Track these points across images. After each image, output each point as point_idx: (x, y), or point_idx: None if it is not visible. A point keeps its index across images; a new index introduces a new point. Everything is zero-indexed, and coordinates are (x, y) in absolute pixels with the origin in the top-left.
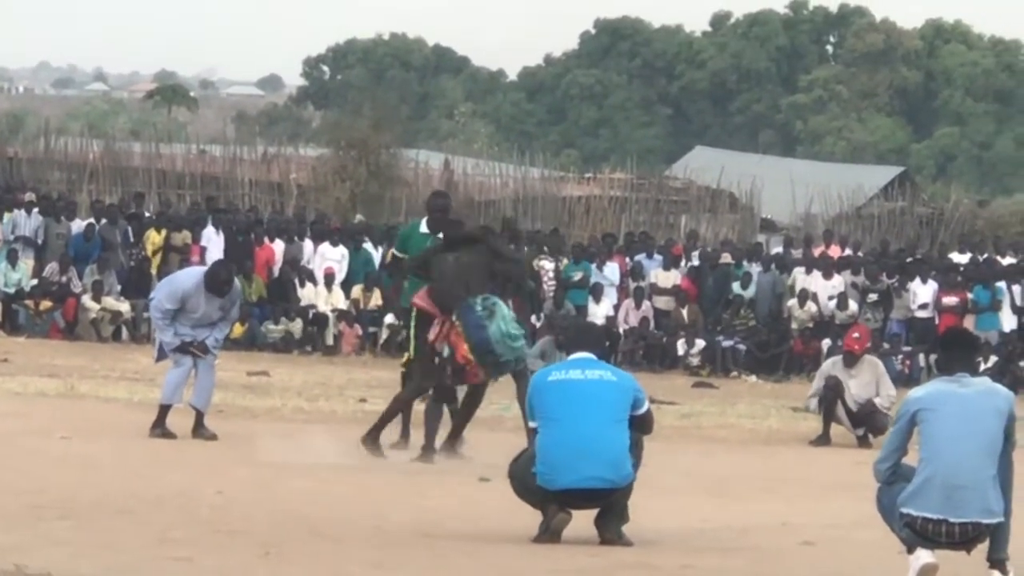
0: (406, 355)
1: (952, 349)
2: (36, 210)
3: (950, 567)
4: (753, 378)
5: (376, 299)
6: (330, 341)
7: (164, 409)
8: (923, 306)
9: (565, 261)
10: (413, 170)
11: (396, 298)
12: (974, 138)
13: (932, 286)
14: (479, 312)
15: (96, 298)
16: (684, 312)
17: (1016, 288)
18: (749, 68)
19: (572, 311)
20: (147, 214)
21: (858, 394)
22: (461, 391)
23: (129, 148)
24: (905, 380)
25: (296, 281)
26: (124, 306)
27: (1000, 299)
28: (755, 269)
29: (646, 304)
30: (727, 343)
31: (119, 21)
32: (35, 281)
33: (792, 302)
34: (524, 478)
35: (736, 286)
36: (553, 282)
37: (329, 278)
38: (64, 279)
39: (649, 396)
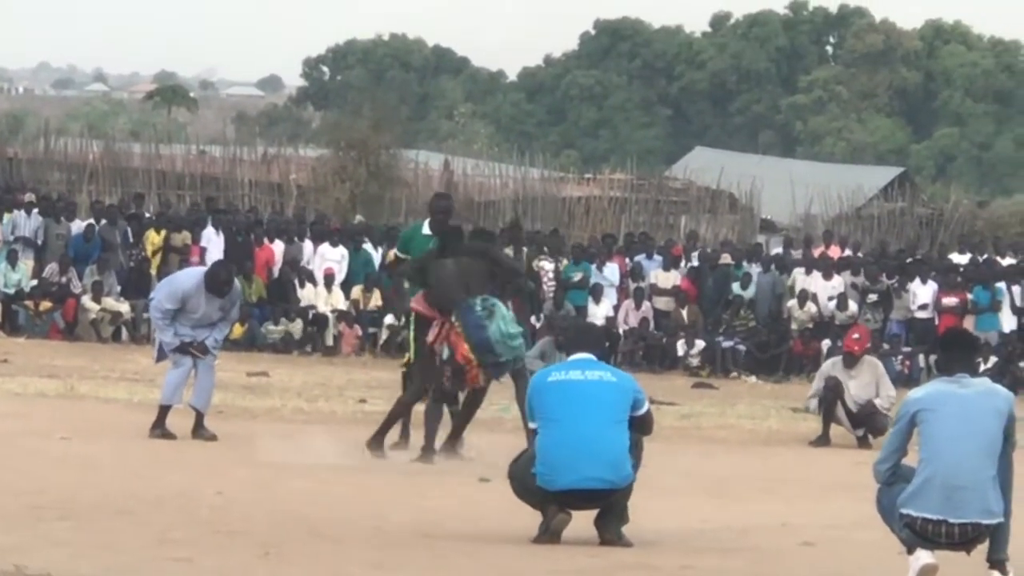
0: (406, 356)
1: (952, 350)
2: (36, 211)
3: (950, 568)
4: (753, 379)
5: (376, 300)
6: (330, 342)
7: (164, 410)
8: (923, 307)
9: (565, 262)
10: (413, 171)
11: (396, 299)
12: (974, 139)
13: (932, 287)
14: (479, 312)
15: (96, 299)
16: (684, 313)
17: (1016, 289)
18: (749, 69)
19: (572, 312)
20: (147, 215)
21: (858, 395)
22: (461, 393)
23: (129, 149)
24: (905, 381)
25: (296, 282)
26: (124, 307)
27: (1000, 300)
28: (755, 270)
29: (646, 305)
30: (727, 344)
31: (119, 22)
32: (35, 282)
33: (792, 303)
34: (524, 479)
35: (736, 287)
36: (553, 283)
37: (329, 279)
38: (64, 280)
39: (649, 397)
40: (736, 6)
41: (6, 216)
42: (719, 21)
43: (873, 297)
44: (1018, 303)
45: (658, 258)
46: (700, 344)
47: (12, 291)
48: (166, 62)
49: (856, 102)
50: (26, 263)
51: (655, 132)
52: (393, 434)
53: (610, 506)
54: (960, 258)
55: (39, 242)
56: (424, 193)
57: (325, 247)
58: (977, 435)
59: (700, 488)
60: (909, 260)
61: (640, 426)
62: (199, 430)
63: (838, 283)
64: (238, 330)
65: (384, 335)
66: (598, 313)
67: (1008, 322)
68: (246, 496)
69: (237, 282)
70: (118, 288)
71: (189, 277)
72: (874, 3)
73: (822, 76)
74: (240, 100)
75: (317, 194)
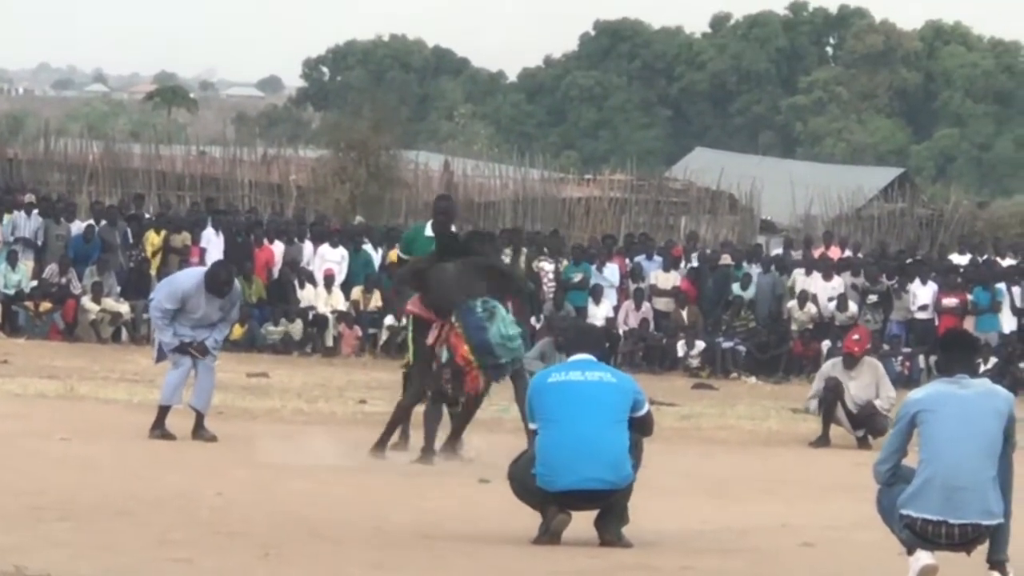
0: (406, 357)
1: (952, 350)
2: (36, 211)
3: (950, 569)
4: (753, 379)
5: (376, 301)
6: (330, 342)
7: (163, 410)
8: (923, 307)
9: (565, 262)
10: (413, 171)
11: (396, 300)
12: (974, 139)
13: (932, 287)
14: (480, 314)
15: (96, 299)
16: (684, 313)
17: (1016, 289)
18: (749, 69)
19: (572, 312)
20: (147, 215)
21: (858, 395)
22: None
23: (129, 149)
24: (905, 381)
25: (296, 282)
26: (124, 307)
27: (1000, 300)
28: (755, 270)
29: (646, 305)
30: (727, 344)
31: (119, 22)
32: (35, 282)
33: (792, 303)
34: (524, 479)
35: (736, 287)
36: (553, 283)
37: (329, 279)
38: (64, 280)
39: (649, 397)
40: (736, 7)
41: (6, 217)
42: (719, 22)
43: (873, 298)
44: (1018, 304)
45: (658, 259)
46: (700, 345)
47: (12, 292)
48: (166, 63)
49: (856, 103)
50: (26, 264)
51: (655, 133)
52: (393, 435)
53: (610, 507)
54: (960, 259)
55: (39, 243)
56: (424, 194)
57: (325, 248)
58: (977, 436)
59: (700, 489)
60: (909, 261)
61: (640, 427)
62: (199, 431)
63: (838, 284)
64: (238, 331)
65: (384, 336)
66: (598, 314)
67: (1008, 323)
68: (246, 497)
69: (237, 283)
70: (118, 289)
71: (189, 277)
72: (874, 4)
73: (822, 77)
74: (240, 101)
75: (317, 195)
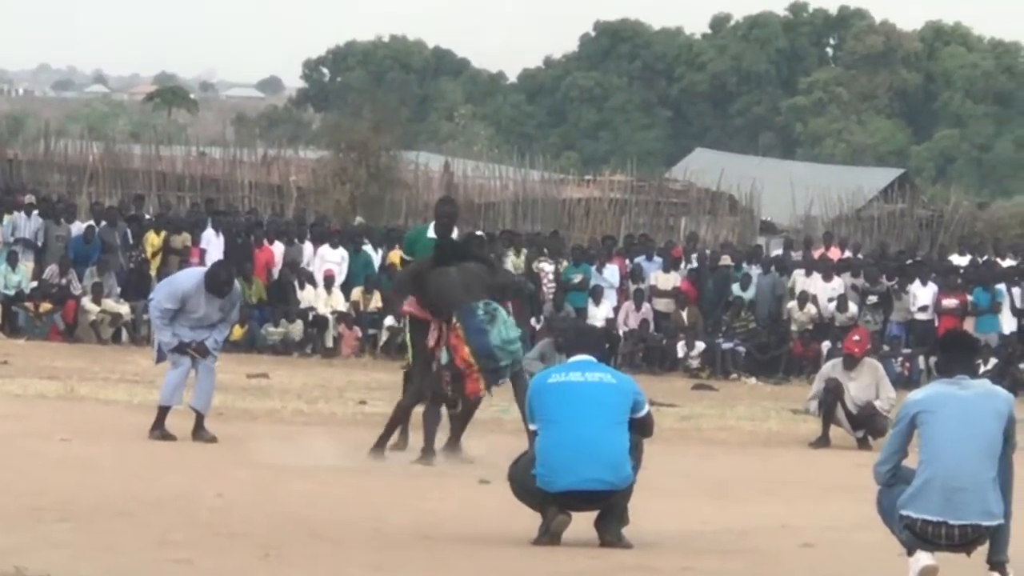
0: (407, 357)
1: (952, 351)
2: (36, 212)
3: (950, 569)
4: (753, 380)
5: (376, 301)
6: (330, 343)
7: (163, 411)
8: (923, 308)
9: (565, 263)
10: (413, 172)
11: (396, 300)
12: (974, 140)
13: (932, 288)
14: (481, 317)
15: (96, 300)
16: (684, 314)
17: (1016, 290)
18: (749, 70)
19: (572, 313)
20: (147, 216)
21: (858, 396)
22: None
23: (129, 150)
24: (905, 382)
25: (296, 283)
26: (124, 308)
27: (1000, 301)
28: (755, 271)
29: (646, 306)
30: (727, 345)
31: (119, 23)
32: (35, 283)
33: (792, 304)
34: (524, 480)
35: (736, 288)
36: (553, 284)
37: (329, 280)
38: (64, 281)
39: (649, 398)
40: (736, 8)
41: (6, 218)
42: (719, 23)
43: (873, 299)
44: (1018, 305)
45: (658, 260)
46: (700, 346)
47: (12, 293)
48: (166, 63)
49: (856, 104)
50: (26, 265)
51: (655, 134)
52: (393, 435)
53: (610, 508)
54: (960, 260)
55: (39, 244)
56: (424, 195)
57: (325, 249)
58: (977, 437)
59: (700, 490)
60: (909, 262)
61: (640, 428)
62: (199, 432)
63: (838, 285)
64: (238, 332)
65: (384, 337)
66: (598, 315)
67: (1008, 324)
68: (246, 498)
69: (237, 283)
70: (118, 290)
71: (189, 277)
72: (874, 4)
73: (822, 78)
74: (240, 102)
75: (317, 196)
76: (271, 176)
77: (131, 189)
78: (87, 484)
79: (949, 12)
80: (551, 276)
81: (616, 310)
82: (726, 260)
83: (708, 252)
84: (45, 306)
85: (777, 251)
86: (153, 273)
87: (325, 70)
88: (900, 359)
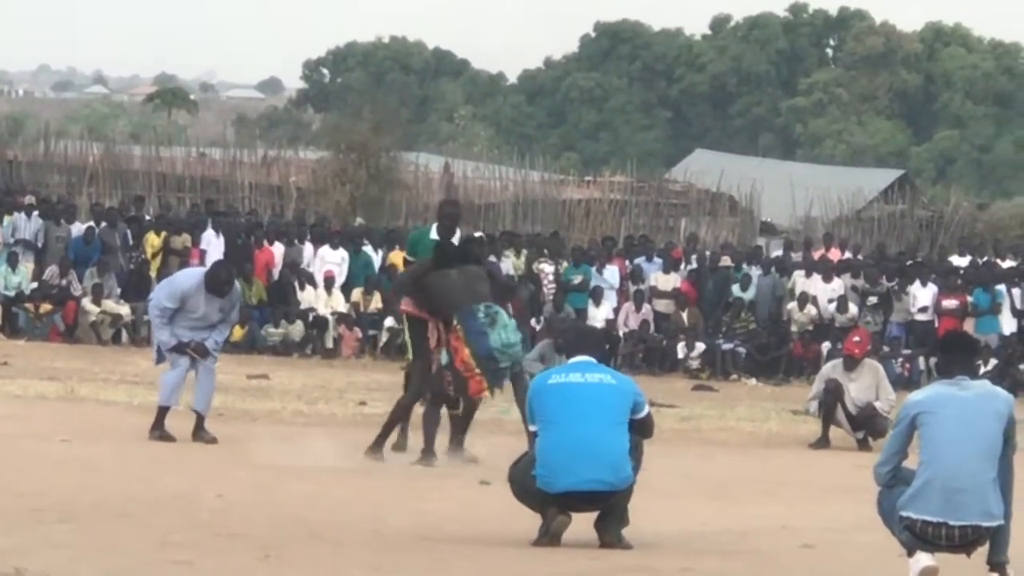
0: (408, 357)
1: (952, 352)
2: (36, 213)
3: (950, 570)
4: (753, 381)
5: (376, 302)
6: (330, 344)
7: (162, 411)
8: (923, 309)
9: (565, 264)
10: (413, 173)
11: (395, 302)
12: (974, 141)
13: (932, 289)
14: (481, 319)
15: (96, 301)
16: (684, 315)
17: (1016, 291)
18: (749, 71)
19: (572, 314)
20: (147, 217)
21: (858, 397)
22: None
23: (129, 151)
24: (905, 383)
25: (296, 284)
26: (124, 309)
27: (1000, 302)
28: (755, 272)
29: (646, 307)
30: (727, 346)
31: (119, 24)
32: (35, 284)
33: (792, 305)
34: (524, 481)
35: (736, 289)
36: (553, 285)
37: (329, 281)
38: (64, 282)
39: (649, 399)
40: (736, 8)
41: (6, 218)
42: (719, 23)
43: (873, 299)
44: (1018, 305)
45: (658, 260)
46: (700, 346)
47: (12, 293)
48: (166, 64)
49: (856, 104)
50: (26, 265)
51: (655, 134)
52: (392, 435)
53: (610, 508)
54: (960, 260)
55: (39, 244)
56: (424, 195)
57: (325, 249)
58: (977, 438)
59: (700, 490)
60: (909, 262)
61: (640, 429)
62: (199, 432)
63: (838, 285)
64: (238, 332)
65: (384, 337)
66: (598, 315)
67: (1008, 325)
68: (246, 499)
69: (237, 284)
70: (118, 290)
71: (189, 277)
72: (874, 5)
73: (822, 78)
74: (240, 102)
75: (317, 196)
76: (271, 177)
77: (131, 190)
78: (87, 485)
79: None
80: (551, 277)
81: (616, 311)
82: (726, 261)
83: (708, 253)
84: (45, 307)
85: (777, 252)
86: (153, 274)
87: (325, 71)
88: (900, 360)
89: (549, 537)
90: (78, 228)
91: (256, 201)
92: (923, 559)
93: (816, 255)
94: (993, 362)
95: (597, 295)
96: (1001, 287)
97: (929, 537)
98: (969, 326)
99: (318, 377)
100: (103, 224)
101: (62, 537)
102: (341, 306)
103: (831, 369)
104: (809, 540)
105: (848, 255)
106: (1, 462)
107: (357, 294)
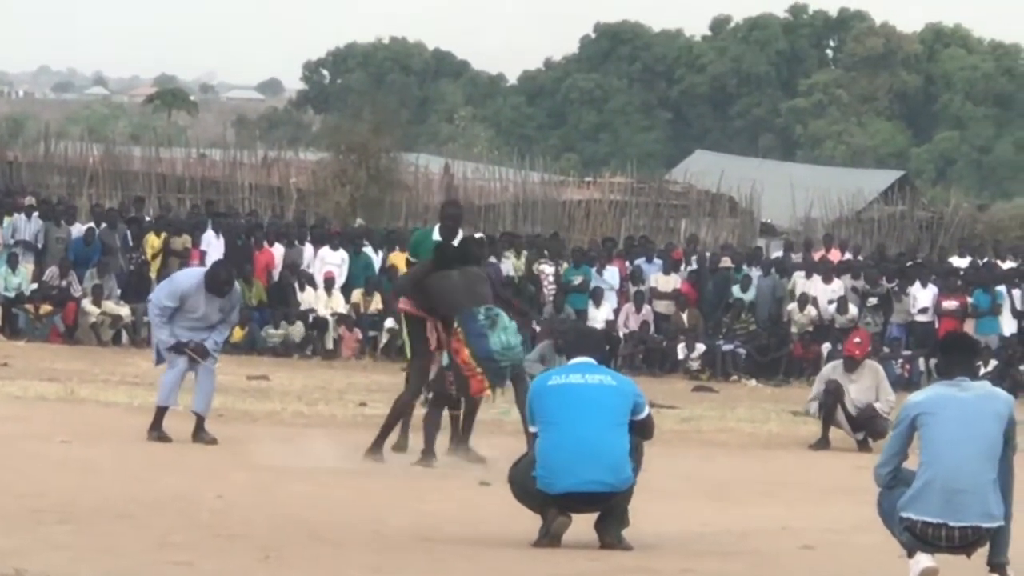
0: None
1: (952, 353)
2: (36, 214)
3: (950, 571)
4: (753, 382)
5: (376, 303)
6: (330, 345)
7: (160, 411)
8: (923, 310)
9: (565, 265)
10: (413, 174)
11: (395, 303)
12: (974, 142)
13: (932, 290)
14: (481, 321)
15: (96, 302)
16: (684, 316)
17: (1016, 292)
18: (749, 72)
19: (572, 315)
20: (147, 218)
21: (858, 398)
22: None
23: (129, 152)
24: (905, 384)
25: (296, 285)
26: (124, 310)
27: (1000, 303)
28: (755, 273)
29: (646, 308)
30: (727, 347)
31: (119, 25)
32: (35, 285)
33: (792, 306)
34: (524, 482)
35: (736, 290)
36: (553, 286)
37: (329, 282)
38: (64, 283)
39: (649, 400)
40: (736, 9)
41: (6, 220)
42: (719, 24)
43: (873, 301)
44: (1018, 307)
45: (658, 262)
46: (700, 347)
47: (12, 294)
48: (166, 65)
49: (856, 105)
50: (26, 267)
51: (655, 135)
52: (393, 436)
53: (610, 509)
54: (960, 261)
55: (39, 246)
56: (424, 196)
57: (325, 251)
58: (977, 439)
59: (700, 491)
60: (909, 263)
61: (641, 430)
62: (199, 433)
63: (838, 287)
64: (238, 334)
65: (384, 339)
66: (598, 317)
67: (1008, 326)
68: (246, 500)
69: (237, 284)
70: (118, 291)
71: (189, 276)
72: (874, 6)
73: (822, 80)
74: (240, 103)
75: (317, 198)
76: (271, 178)
77: (131, 191)
78: (87, 486)
79: (949, 14)
80: (551, 278)
81: (616, 312)
82: (726, 262)
83: (708, 254)
84: (45, 308)
85: (777, 253)
86: (153, 275)
87: (325, 72)
88: (900, 361)
89: (549, 538)
90: (78, 229)
91: (256, 202)
92: (923, 560)
93: (816, 256)
94: (993, 363)
95: (597, 296)
96: (1001, 288)
97: (929, 538)
98: (969, 327)
99: (318, 378)
100: (103, 225)
101: (62, 538)
102: (341, 307)
103: (831, 370)
104: (809, 541)
105: (848, 256)
106: (1, 463)
107: (357, 295)
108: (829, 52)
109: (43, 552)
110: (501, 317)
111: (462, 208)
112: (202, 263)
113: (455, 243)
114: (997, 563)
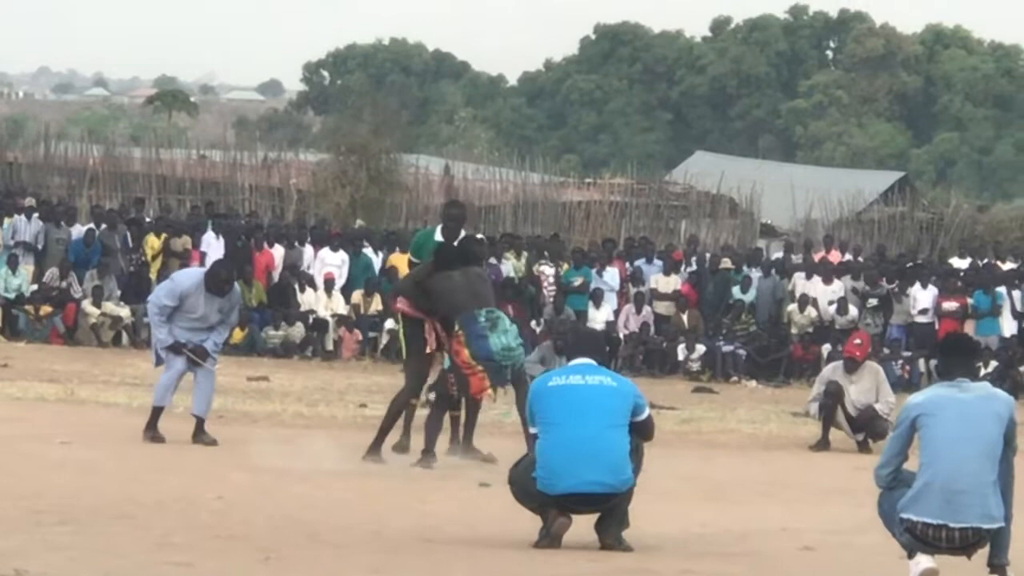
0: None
1: (952, 354)
2: (36, 215)
3: (951, 572)
4: (753, 383)
5: (376, 304)
6: (330, 346)
7: (156, 411)
8: (923, 311)
9: (565, 266)
10: (413, 175)
11: (393, 301)
12: (974, 143)
13: (932, 291)
14: (482, 323)
15: (96, 303)
16: (684, 317)
17: (1016, 293)
18: (749, 73)
19: (572, 316)
20: (147, 219)
21: (858, 399)
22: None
23: (129, 153)
24: (905, 385)
25: (296, 286)
26: (124, 311)
27: (1000, 304)
28: (755, 274)
29: (646, 309)
30: (727, 348)
31: (119, 26)
32: (35, 286)
33: (792, 307)
34: (524, 483)
35: (736, 291)
36: (553, 287)
37: (329, 283)
38: (64, 284)
39: (649, 401)
40: (736, 11)
41: (6, 221)
42: (719, 26)
43: (873, 302)
44: (1018, 308)
45: (658, 262)
46: (700, 348)
47: (12, 296)
48: (166, 67)
49: (856, 107)
50: (26, 268)
51: (655, 137)
52: (393, 435)
53: (610, 510)
54: (960, 263)
55: (39, 247)
56: (424, 198)
57: (325, 252)
58: (977, 439)
59: (700, 492)
60: (909, 265)
61: (641, 431)
62: (199, 434)
63: (838, 287)
64: (238, 335)
65: (384, 339)
66: (598, 318)
67: (1008, 327)
68: (246, 500)
69: (237, 285)
70: (118, 292)
71: (189, 276)
72: (874, 7)
73: (822, 81)
74: (240, 105)
75: (317, 199)
76: (271, 179)
77: (131, 192)
78: (87, 487)
79: (949, 15)
80: (551, 279)
81: (616, 313)
82: (726, 263)
83: (708, 255)
84: (45, 309)
85: (777, 254)
86: (153, 276)
87: (325, 73)
88: (900, 362)
89: (549, 539)
90: (78, 230)
91: (256, 203)
92: (923, 561)
93: (816, 257)
94: (993, 364)
95: (597, 297)
96: (1001, 289)
97: (929, 539)
98: (969, 328)
99: (318, 379)
100: (103, 226)
101: (62, 539)
102: (341, 308)
103: (831, 371)
104: (809, 542)
105: (848, 257)
106: (1, 464)
107: (357, 296)
108: (829, 53)
109: (43, 552)
110: (501, 320)
111: (465, 208)
112: (202, 264)
113: (455, 243)
114: (997, 564)
